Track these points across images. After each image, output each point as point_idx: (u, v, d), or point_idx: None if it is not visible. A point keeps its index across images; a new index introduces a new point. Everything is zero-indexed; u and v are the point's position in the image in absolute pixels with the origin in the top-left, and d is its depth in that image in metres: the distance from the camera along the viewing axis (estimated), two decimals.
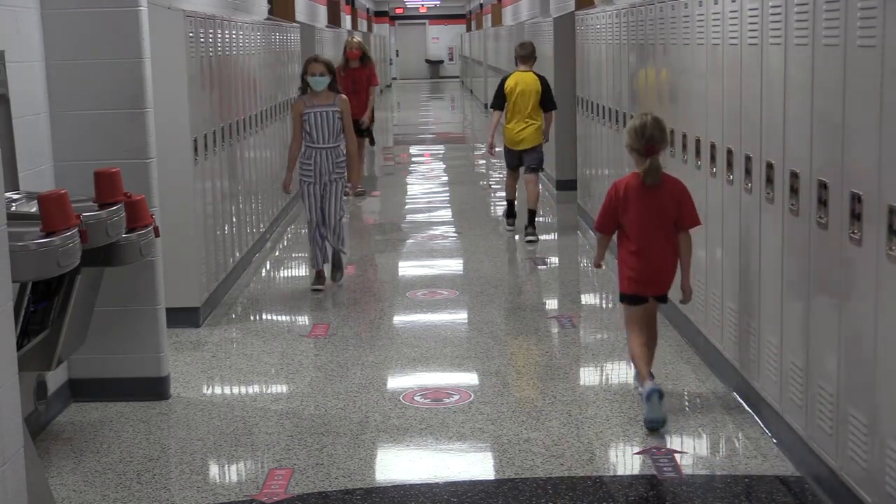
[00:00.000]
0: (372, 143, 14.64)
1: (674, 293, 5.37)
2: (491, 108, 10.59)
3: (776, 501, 4.29)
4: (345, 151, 7.91)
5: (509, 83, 9.86)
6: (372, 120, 12.97)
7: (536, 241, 9.73)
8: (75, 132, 5.47)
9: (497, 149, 10.75)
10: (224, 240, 7.82)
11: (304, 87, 7.80)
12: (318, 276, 8.01)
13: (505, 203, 10.45)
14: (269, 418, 5.33)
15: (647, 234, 5.22)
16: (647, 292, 5.28)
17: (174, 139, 6.73)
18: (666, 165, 6.78)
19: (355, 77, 12.40)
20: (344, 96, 7.90)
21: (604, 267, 5.58)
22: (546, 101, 9.81)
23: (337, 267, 8.22)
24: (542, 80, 9.89)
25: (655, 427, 4.99)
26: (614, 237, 5.37)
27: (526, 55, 10.00)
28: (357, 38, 12.80)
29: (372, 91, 12.65)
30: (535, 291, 8.14)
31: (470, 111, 27.91)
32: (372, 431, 5.12)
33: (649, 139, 5.16)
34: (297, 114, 7.79)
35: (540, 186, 10.41)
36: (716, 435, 4.99)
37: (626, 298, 5.31)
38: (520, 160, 9.93)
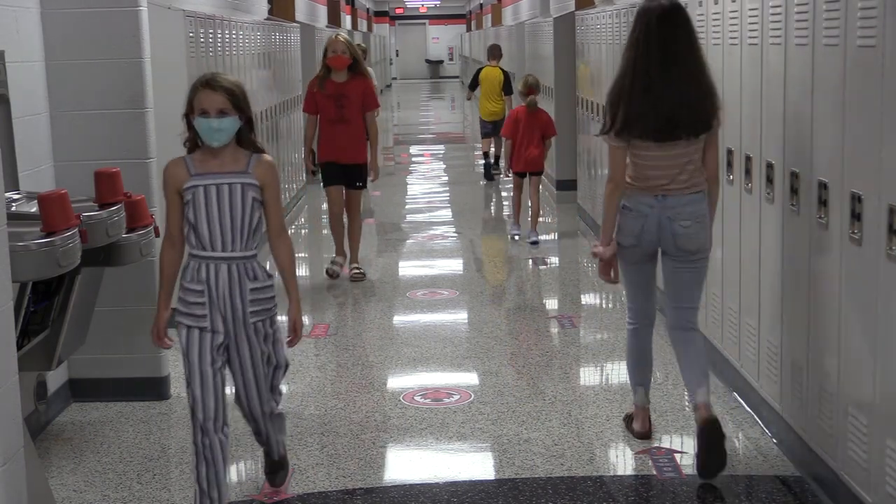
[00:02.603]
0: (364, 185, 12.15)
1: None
2: (468, 87, 15.27)
3: (776, 501, 4.28)
4: (274, 265, 4.18)
5: (482, 73, 14.15)
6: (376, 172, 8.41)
7: (500, 174, 13.59)
8: (75, 132, 5.47)
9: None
10: None
11: (194, 140, 4.04)
12: None
13: (483, 166, 14.38)
14: None
15: (528, 139, 9.56)
16: (526, 170, 9.67)
17: (174, 139, 6.70)
18: None
19: (343, 96, 8.03)
20: (267, 157, 4.03)
21: (509, 174, 10.02)
22: (506, 87, 13.92)
23: (278, 466, 4.48)
24: (505, 72, 14.08)
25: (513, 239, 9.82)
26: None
27: (494, 54, 14.36)
28: (343, 35, 8.21)
29: (371, 120, 8.18)
30: (535, 291, 8.14)
31: (470, 111, 27.89)
32: (372, 431, 5.12)
33: (530, 87, 9.64)
34: (172, 188, 3.99)
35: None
36: None
37: (514, 174, 9.79)
38: (493, 129, 13.77)
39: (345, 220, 8.38)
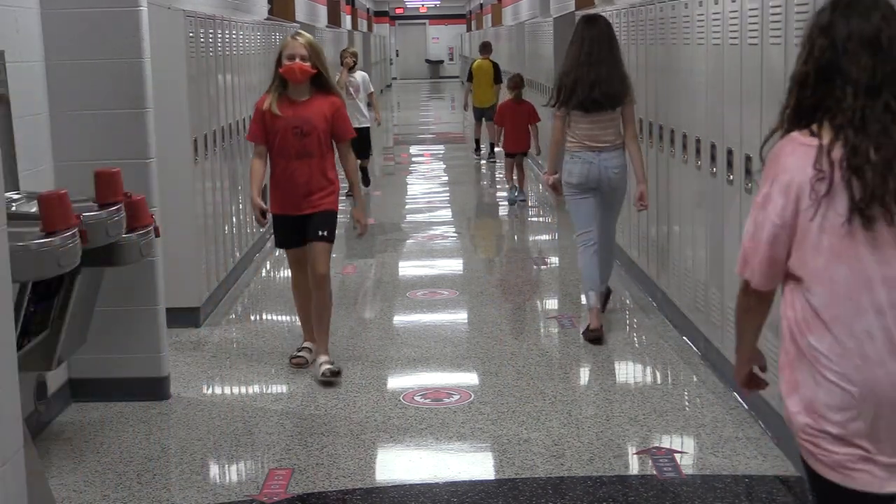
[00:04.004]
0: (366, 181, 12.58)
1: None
2: (465, 81, 17.07)
3: (776, 501, 4.29)
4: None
5: (475, 66, 16.09)
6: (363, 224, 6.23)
7: (495, 161, 15.76)
8: (75, 132, 5.47)
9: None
10: (224, 240, 7.82)
11: None
12: None
13: (474, 143, 16.93)
14: (269, 418, 5.32)
15: (514, 126, 11.85)
16: (513, 150, 11.97)
17: (174, 139, 6.73)
18: (666, 165, 6.79)
19: (305, 121, 5.75)
20: None
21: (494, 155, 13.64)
22: (496, 77, 15.87)
23: None
24: (495, 64, 16.05)
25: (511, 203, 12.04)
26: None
27: (486, 49, 16.41)
28: (305, 35, 5.83)
29: (346, 153, 5.97)
30: (535, 291, 8.14)
31: (470, 111, 27.89)
32: (372, 431, 5.12)
33: (516, 83, 12.02)
34: None
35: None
36: (716, 435, 4.98)
37: (505, 153, 12.18)
38: (482, 115, 15.87)
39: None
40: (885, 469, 2.46)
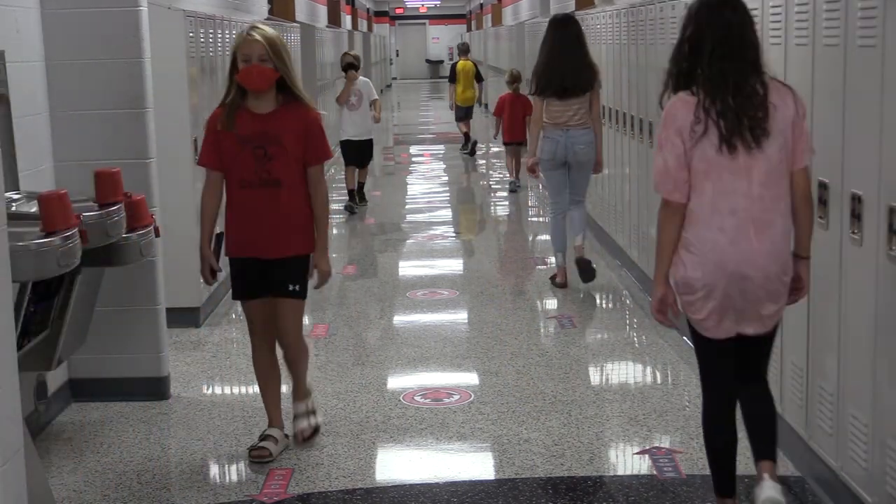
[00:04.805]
0: (362, 199, 12.04)
1: None
2: (449, 82, 17.70)
3: None
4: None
5: (458, 67, 17.06)
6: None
7: (471, 156, 16.97)
8: (75, 132, 5.47)
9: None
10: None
11: None
12: None
13: (463, 138, 17.37)
14: None
15: (514, 116, 12.45)
16: (512, 139, 12.66)
17: (174, 139, 6.73)
18: None
19: (269, 140, 4.59)
20: None
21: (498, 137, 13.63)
22: (477, 77, 17.26)
23: None
24: (475, 64, 17.48)
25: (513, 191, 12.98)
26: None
27: (464, 51, 17.65)
28: (264, 29, 4.63)
29: (317, 179, 4.69)
30: (535, 291, 8.14)
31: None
32: (372, 431, 5.12)
33: (514, 77, 12.73)
34: None
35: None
36: None
37: (504, 143, 12.99)
38: (466, 113, 17.11)
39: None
40: (732, 322, 3.67)
